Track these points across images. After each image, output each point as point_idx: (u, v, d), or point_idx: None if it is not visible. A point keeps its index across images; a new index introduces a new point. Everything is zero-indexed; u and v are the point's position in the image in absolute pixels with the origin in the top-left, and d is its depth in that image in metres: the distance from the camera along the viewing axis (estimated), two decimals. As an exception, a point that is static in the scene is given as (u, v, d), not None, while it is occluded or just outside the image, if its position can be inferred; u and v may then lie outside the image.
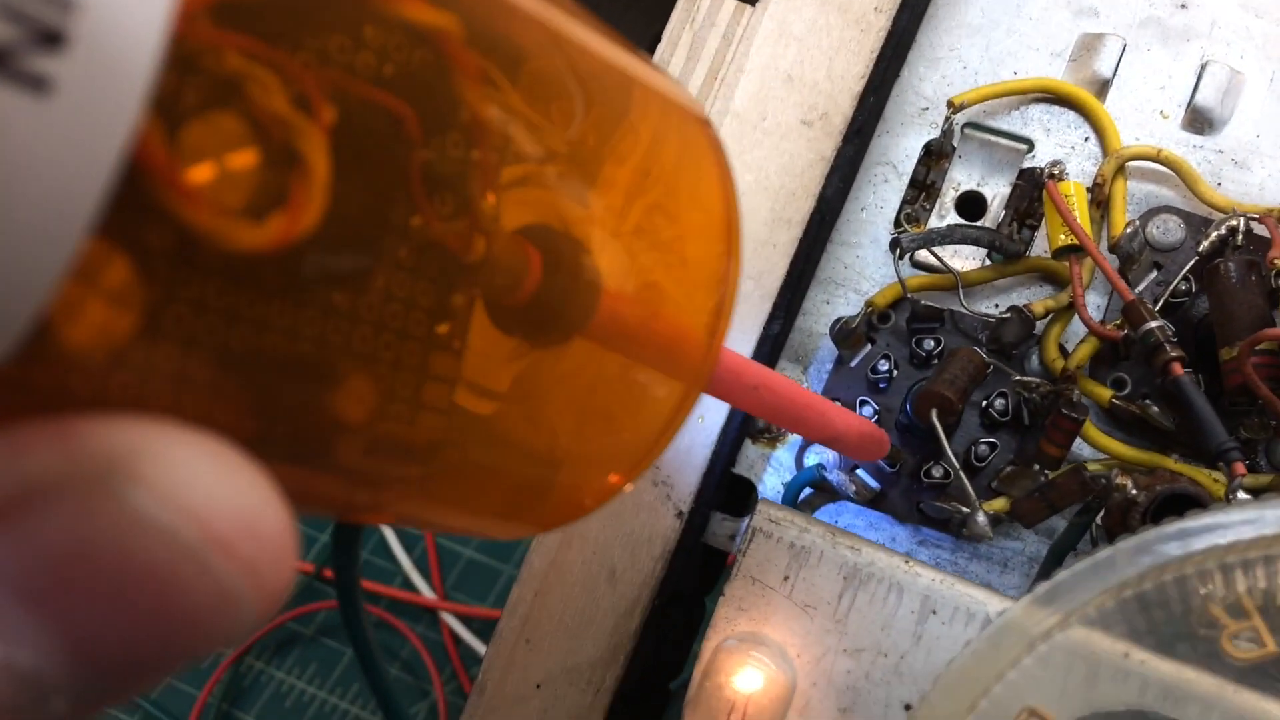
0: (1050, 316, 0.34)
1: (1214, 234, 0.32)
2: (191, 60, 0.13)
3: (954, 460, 0.30)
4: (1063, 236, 0.33)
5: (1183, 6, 0.36)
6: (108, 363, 0.13)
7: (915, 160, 0.37)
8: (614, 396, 0.21)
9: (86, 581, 0.11)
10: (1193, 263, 0.33)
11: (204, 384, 0.13)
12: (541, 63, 0.18)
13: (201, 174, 0.13)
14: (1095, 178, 0.35)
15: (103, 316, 0.13)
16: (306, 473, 0.17)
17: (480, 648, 0.65)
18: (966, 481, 0.30)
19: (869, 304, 0.35)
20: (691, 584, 0.37)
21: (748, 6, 0.37)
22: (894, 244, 0.34)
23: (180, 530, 0.11)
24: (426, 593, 0.67)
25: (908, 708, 0.26)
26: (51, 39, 0.10)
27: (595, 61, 0.19)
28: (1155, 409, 0.31)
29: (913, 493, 0.34)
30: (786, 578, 0.28)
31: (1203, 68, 0.35)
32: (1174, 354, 0.29)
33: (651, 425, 0.21)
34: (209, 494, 0.11)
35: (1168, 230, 0.34)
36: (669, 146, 0.20)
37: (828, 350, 0.36)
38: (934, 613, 0.26)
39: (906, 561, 0.27)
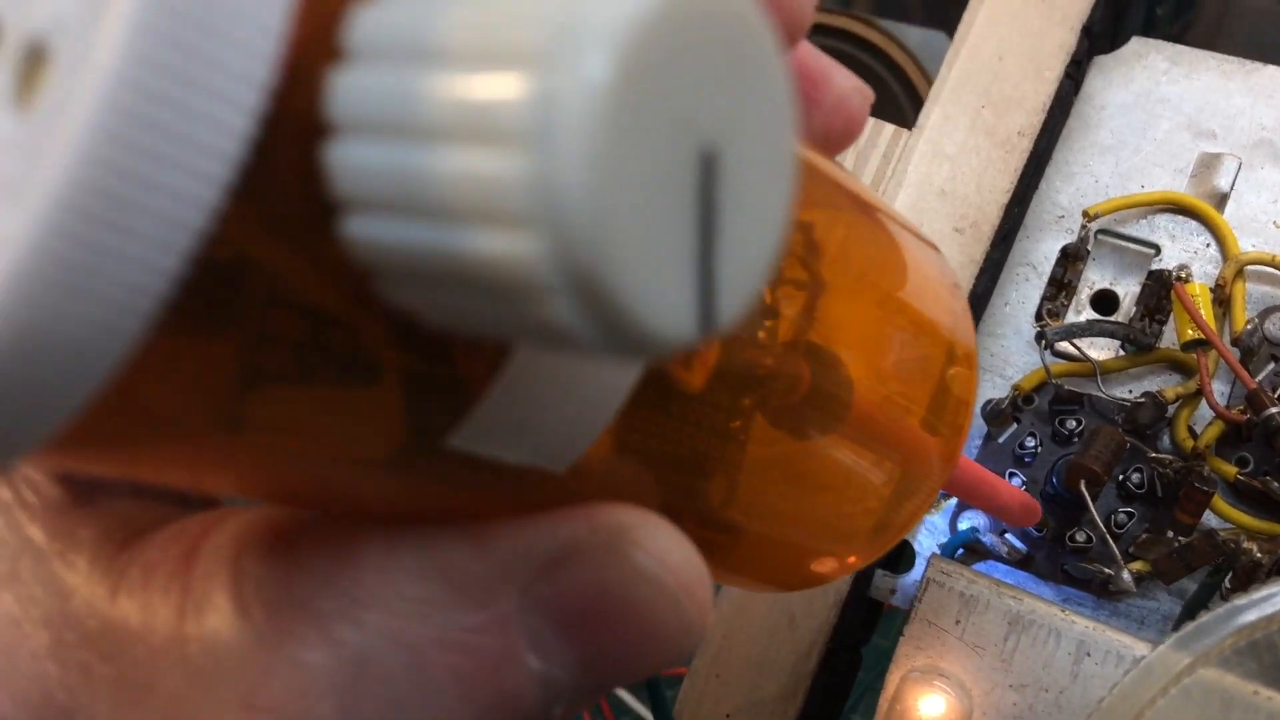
0: (1180, 401, 0.39)
1: (1325, 330, 0.37)
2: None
3: (1100, 525, 0.35)
4: (1190, 332, 0.38)
5: (1293, 128, 0.41)
6: (596, 469, 0.18)
7: (1053, 261, 0.42)
8: (857, 489, 0.26)
9: (602, 615, 0.16)
10: (1306, 355, 0.38)
11: (632, 478, 0.19)
12: (824, 224, 0.24)
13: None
14: (1217, 279, 0.40)
15: (605, 440, 0.18)
16: None
17: (629, 700, 0.71)
18: (1113, 544, 0.35)
19: (1016, 387, 0.41)
20: (857, 632, 0.42)
21: (905, 131, 0.43)
22: (1039, 336, 0.40)
23: (664, 579, 0.16)
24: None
25: (1067, 735, 0.31)
26: None
27: (853, 212, 0.25)
28: (1276, 484, 0.36)
29: (1057, 555, 0.39)
30: (958, 621, 0.33)
31: (1312, 183, 0.40)
32: (1293, 437, 0.34)
33: (891, 517, 0.26)
34: (677, 554, 0.16)
35: (1283, 326, 0.39)
36: (916, 282, 0.25)
37: (977, 428, 0.42)
38: (1088, 655, 0.31)
39: (1063, 611, 0.32)
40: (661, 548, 0.16)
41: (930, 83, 0.72)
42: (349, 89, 0.10)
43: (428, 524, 0.16)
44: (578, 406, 0.15)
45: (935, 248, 0.27)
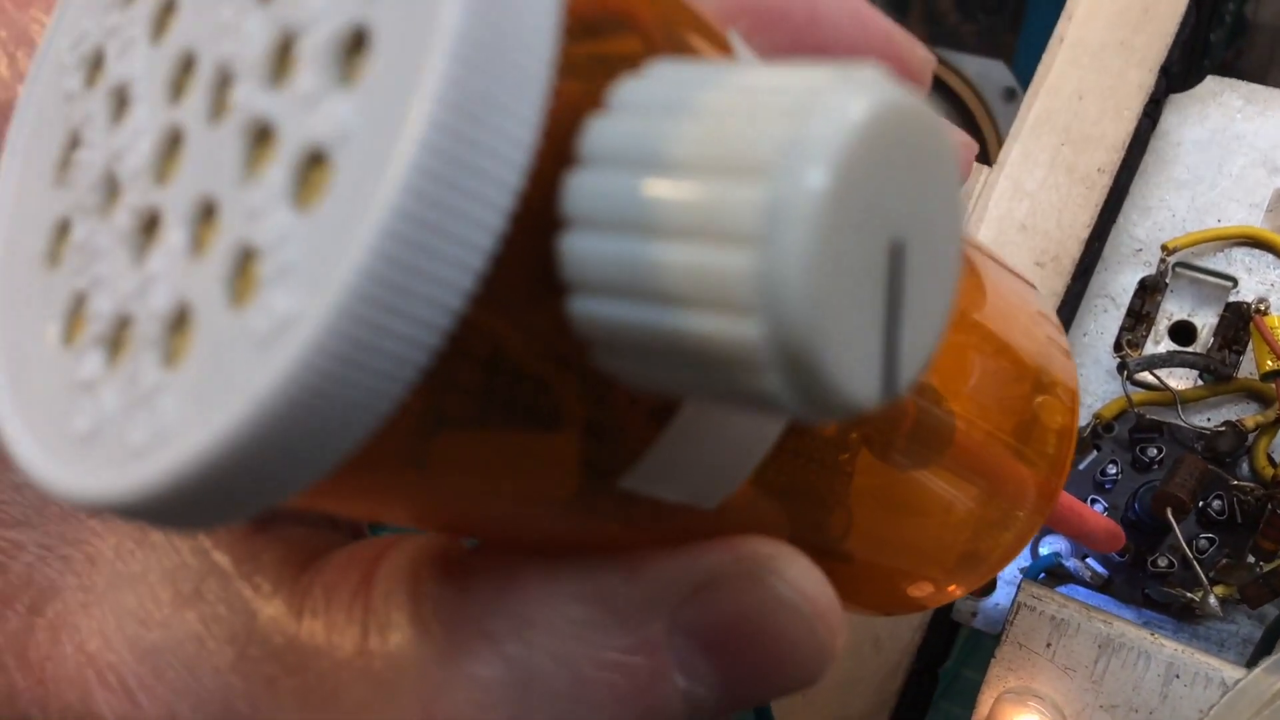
0: (1259, 430, 0.40)
1: (1405, 361, 0.38)
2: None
3: (1188, 551, 0.36)
4: (1269, 362, 0.39)
5: (1369, 162, 0.42)
6: (737, 505, 0.20)
7: (1132, 293, 0.43)
8: (958, 518, 0.27)
9: (743, 638, 0.17)
10: (1386, 385, 0.38)
11: (766, 512, 0.21)
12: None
13: None
14: (1295, 311, 0.41)
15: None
16: None
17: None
18: (1200, 569, 0.36)
19: (1097, 416, 0.42)
20: (938, 653, 0.43)
21: (985, 167, 0.45)
22: (1121, 366, 0.41)
23: (801, 606, 0.17)
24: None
25: (1156, 756, 0.32)
26: None
27: (976, 283, 0.26)
28: (1357, 511, 0.37)
29: (1138, 580, 0.40)
30: (1049, 644, 0.34)
31: (1389, 215, 0.41)
32: (1375, 467, 0.35)
33: (990, 547, 0.27)
34: (812, 583, 0.18)
35: (1362, 356, 0.39)
36: (1015, 320, 0.27)
37: (1057, 455, 0.43)
38: (1177, 677, 0.32)
39: (1151, 634, 0.33)
40: (797, 576, 0.17)
41: (989, 112, 0.73)
42: (583, 189, 0.12)
43: (584, 552, 0.17)
44: (732, 451, 0.16)
45: (1031, 284, 0.28)
